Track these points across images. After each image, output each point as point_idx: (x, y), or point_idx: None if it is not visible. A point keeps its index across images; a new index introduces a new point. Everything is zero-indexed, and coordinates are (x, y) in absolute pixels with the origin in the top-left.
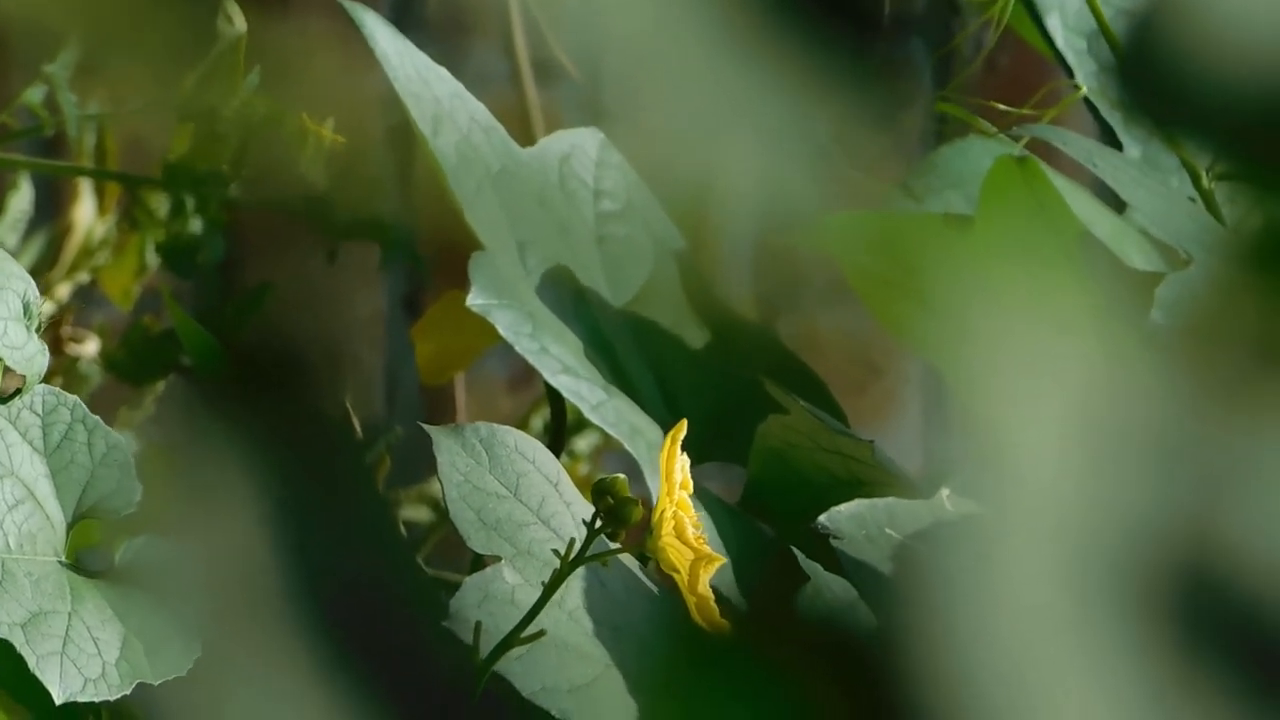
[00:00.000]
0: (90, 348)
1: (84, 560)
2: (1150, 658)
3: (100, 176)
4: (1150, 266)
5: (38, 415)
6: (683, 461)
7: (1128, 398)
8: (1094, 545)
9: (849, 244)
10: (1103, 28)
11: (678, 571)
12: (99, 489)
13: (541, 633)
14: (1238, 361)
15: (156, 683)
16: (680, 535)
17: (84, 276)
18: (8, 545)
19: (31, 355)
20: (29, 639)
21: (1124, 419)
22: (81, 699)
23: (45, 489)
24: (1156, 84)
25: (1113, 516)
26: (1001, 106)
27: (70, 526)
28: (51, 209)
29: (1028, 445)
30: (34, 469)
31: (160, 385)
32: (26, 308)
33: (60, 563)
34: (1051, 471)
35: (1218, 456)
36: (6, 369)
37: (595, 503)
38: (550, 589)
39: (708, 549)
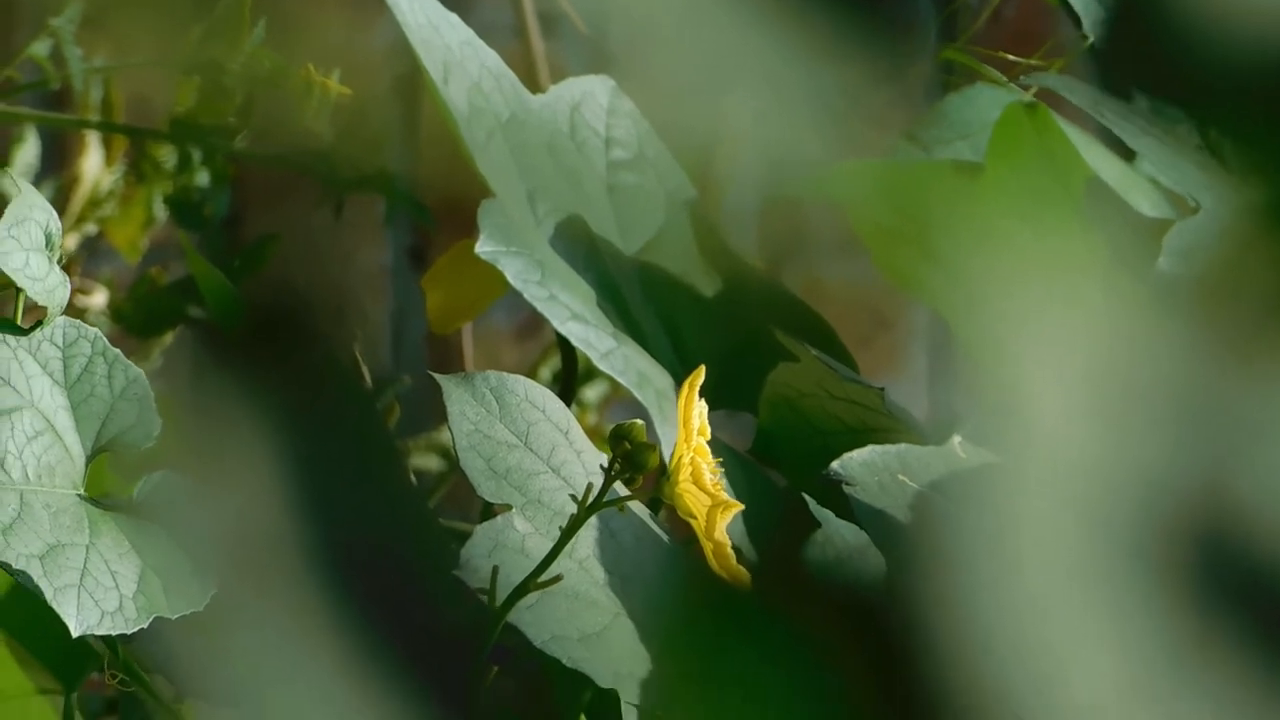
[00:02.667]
0: (98, 299)
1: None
2: (1164, 607)
3: (106, 129)
4: (1159, 214)
5: (58, 347)
6: (700, 408)
7: (1138, 346)
8: (1108, 495)
9: (856, 194)
10: None
11: (694, 518)
12: (118, 422)
13: (559, 578)
14: (1247, 310)
15: (173, 617)
16: (698, 481)
17: (91, 229)
18: (26, 477)
19: (53, 287)
20: (46, 571)
21: (1135, 368)
22: (98, 631)
23: (65, 421)
24: (1140, 61)
25: (1126, 466)
26: (1009, 57)
27: (89, 459)
28: (58, 162)
29: (1039, 394)
30: (54, 401)
31: (168, 337)
32: (49, 239)
33: (79, 496)
34: (1064, 420)
35: (1229, 405)
36: (28, 300)
37: (613, 448)
38: (568, 534)
39: (725, 495)
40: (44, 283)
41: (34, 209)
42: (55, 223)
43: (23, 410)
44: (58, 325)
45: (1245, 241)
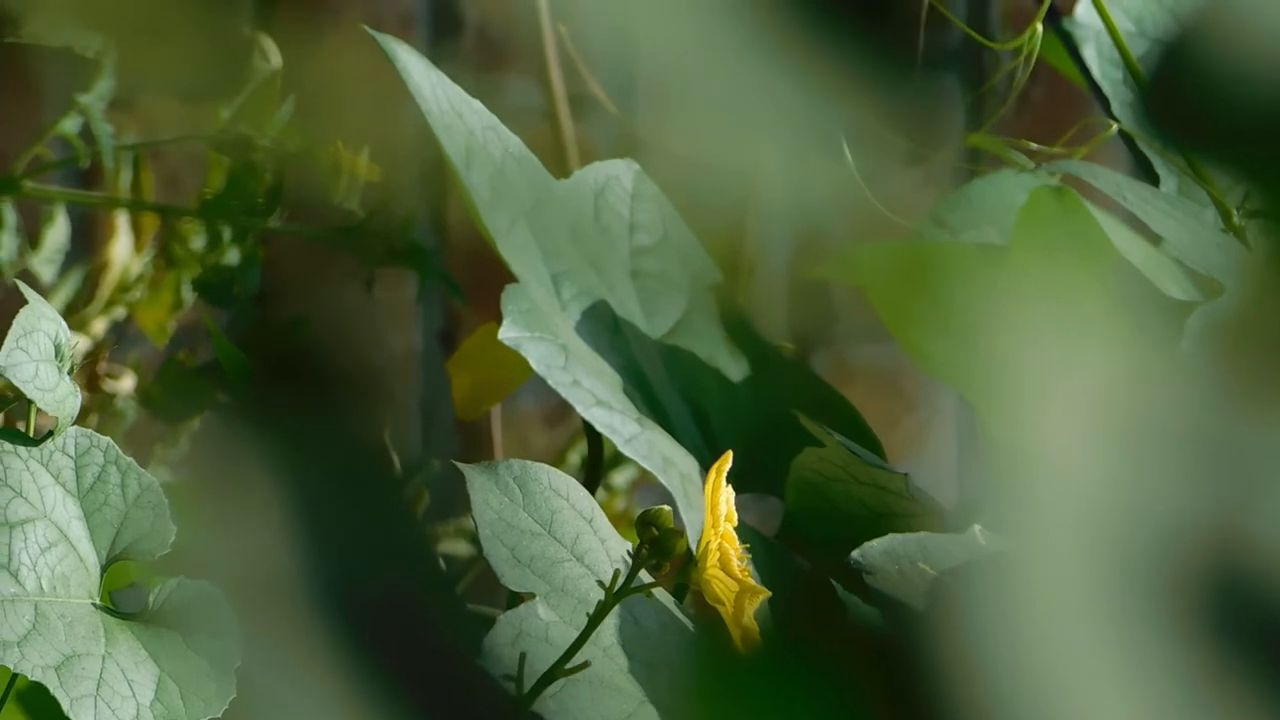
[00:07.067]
0: (126, 384)
1: (118, 602)
2: (1195, 692)
3: (136, 208)
4: (1186, 296)
5: (70, 457)
6: (727, 494)
7: (1164, 429)
8: (1133, 579)
9: (880, 276)
10: (1126, 59)
11: (722, 604)
12: (133, 531)
13: (586, 664)
14: (1271, 385)
15: None
16: (726, 567)
17: (120, 312)
18: (41, 588)
19: (63, 398)
20: (63, 681)
21: (1160, 452)
22: None
23: (78, 531)
24: (1183, 110)
25: (1152, 549)
26: (1034, 145)
27: (104, 568)
28: (88, 243)
29: (1062, 477)
30: (67, 511)
31: (196, 421)
32: (58, 349)
33: (94, 605)
34: (1087, 503)
35: (1259, 486)
36: (39, 411)
37: (640, 534)
38: (594, 622)
39: (753, 581)
40: (54, 393)
41: (42, 319)
42: (64, 332)
43: (36, 521)
44: (69, 435)
45: (1268, 320)
